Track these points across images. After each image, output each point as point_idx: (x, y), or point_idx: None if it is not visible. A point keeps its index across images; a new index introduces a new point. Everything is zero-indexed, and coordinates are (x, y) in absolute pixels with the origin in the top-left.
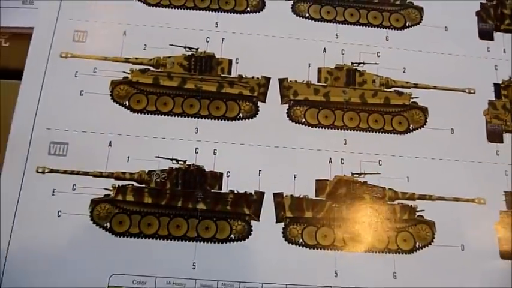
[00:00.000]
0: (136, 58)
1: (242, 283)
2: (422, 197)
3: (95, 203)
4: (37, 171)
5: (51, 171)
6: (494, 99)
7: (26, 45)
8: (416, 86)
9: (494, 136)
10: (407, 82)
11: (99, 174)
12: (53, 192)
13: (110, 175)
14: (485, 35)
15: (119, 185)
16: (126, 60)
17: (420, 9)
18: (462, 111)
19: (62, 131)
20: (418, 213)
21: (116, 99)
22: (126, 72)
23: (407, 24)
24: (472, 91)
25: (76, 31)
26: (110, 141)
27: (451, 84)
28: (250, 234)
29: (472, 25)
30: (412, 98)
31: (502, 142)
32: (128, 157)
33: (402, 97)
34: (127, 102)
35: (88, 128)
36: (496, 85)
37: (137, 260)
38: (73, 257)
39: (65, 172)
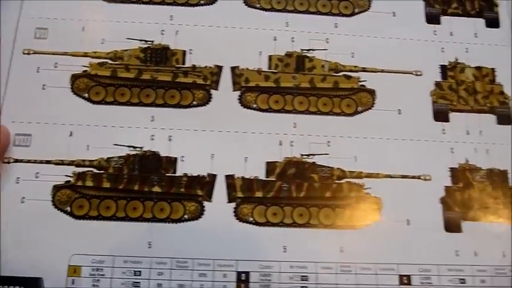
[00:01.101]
0: (95, 52)
1: (195, 260)
2: (369, 175)
3: (56, 189)
4: (3, 162)
5: (16, 161)
6: (440, 80)
7: None
8: (364, 70)
9: (441, 115)
10: (355, 66)
11: (61, 163)
12: (17, 180)
13: (71, 163)
14: (432, 19)
15: (79, 172)
16: (85, 55)
17: None
18: (409, 92)
19: (26, 123)
20: (365, 191)
21: (76, 91)
22: (86, 66)
23: (355, 11)
24: (419, 73)
25: (38, 28)
26: (71, 132)
27: (398, 67)
28: (203, 214)
29: (419, 10)
30: (361, 81)
31: (448, 121)
32: (88, 146)
33: (350, 81)
34: (86, 94)
35: (50, 120)
36: (442, 66)
37: (96, 241)
38: (36, 239)
39: (28, 161)
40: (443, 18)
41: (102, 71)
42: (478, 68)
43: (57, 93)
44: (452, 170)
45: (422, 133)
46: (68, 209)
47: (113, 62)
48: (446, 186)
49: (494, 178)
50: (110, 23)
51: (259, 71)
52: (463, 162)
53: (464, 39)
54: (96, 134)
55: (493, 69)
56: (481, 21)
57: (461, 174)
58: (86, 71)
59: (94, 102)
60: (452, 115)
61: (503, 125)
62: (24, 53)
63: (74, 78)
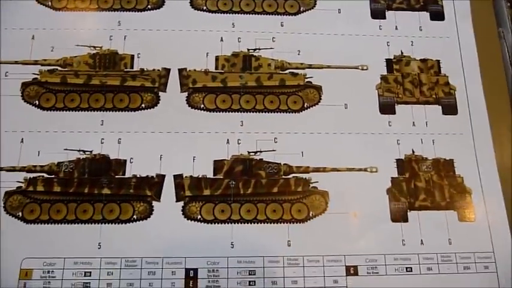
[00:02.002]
0: (45, 60)
1: (144, 258)
2: (316, 170)
3: (8, 194)
4: None
5: None
6: (386, 73)
7: None
8: (310, 67)
9: (387, 108)
10: (301, 64)
11: (12, 169)
12: None
13: (22, 169)
14: (378, 14)
15: (30, 177)
16: (35, 63)
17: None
18: (355, 87)
19: None
20: (311, 185)
21: (27, 99)
22: (36, 74)
23: (301, 10)
24: (365, 67)
25: None
26: (22, 138)
27: (344, 62)
28: (152, 214)
29: (365, 6)
30: (307, 78)
31: (394, 113)
32: (39, 151)
33: (297, 78)
34: (37, 102)
35: (2, 127)
36: (387, 60)
37: (47, 244)
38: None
39: None
40: (389, 13)
41: (52, 78)
42: (423, 61)
43: (9, 101)
44: (398, 161)
45: (369, 126)
46: (20, 214)
47: (62, 69)
48: (392, 178)
49: (439, 167)
50: (59, 31)
51: (206, 72)
52: (409, 153)
53: (410, 33)
54: (46, 140)
55: (438, 61)
56: (425, 15)
57: (408, 165)
58: (36, 78)
59: (44, 109)
60: (399, 107)
61: (448, 115)
62: None
63: (25, 86)
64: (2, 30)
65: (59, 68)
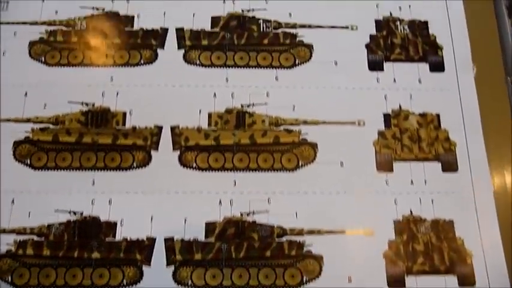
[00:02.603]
0: (37, 117)
1: None
2: (310, 232)
3: None
4: None
5: None
6: (383, 129)
7: None
8: (305, 123)
9: (384, 165)
10: (296, 120)
11: (2, 231)
12: None
13: (12, 231)
14: (375, 65)
15: (19, 240)
16: (28, 120)
17: (310, 47)
18: (352, 143)
19: None
20: (306, 249)
21: (18, 158)
22: (28, 132)
23: (296, 63)
24: (361, 123)
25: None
26: (13, 199)
27: (340, 117)
28: (142, 279)
29: (362, 57)
30: (302, 134)
31: (392, 171)
32: (29, 212)
33: (291, 135)
34: (28, 161)
35: None
36: (385, 115)
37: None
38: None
39: None
40: (387, 65)
41: (44, 136)
42: (423, 115)
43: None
44: (395, 222)
45: (366, 185)
46: (9, 278)
47: (54, 127)
48: (389, 240)
49: (439, 229)
50: (52, 87)
51: (199, 129)
52: (407, 214)
53: (408, 85)
54: (37, 201)
55: (438, 115)
56: (425, 66)
57: (405, 227)
58: (28, 137)
59: (35, 168)
60: (396, 164)
61: (448, 173)
62: None
63: (16, 144)
64: None
65: (51, 126)
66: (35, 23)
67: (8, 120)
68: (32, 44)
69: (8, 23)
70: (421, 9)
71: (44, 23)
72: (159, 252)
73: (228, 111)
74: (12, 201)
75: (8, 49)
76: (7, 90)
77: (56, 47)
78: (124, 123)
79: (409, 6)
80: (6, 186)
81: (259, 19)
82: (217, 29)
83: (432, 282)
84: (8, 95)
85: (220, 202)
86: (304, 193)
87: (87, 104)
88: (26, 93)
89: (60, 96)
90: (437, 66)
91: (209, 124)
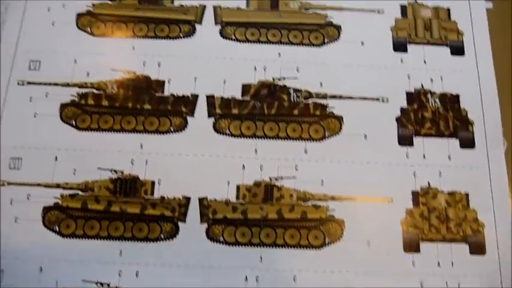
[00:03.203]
0: (67, 183)
1: None
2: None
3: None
4: None
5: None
6: (411, 207)
7: None
8: (333, 199)
9: (411, 246)
10: (324, 195)
11: None
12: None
13: None
14: (405, 141)
15: None
16: (57, 186)
17: (340, 119)
18: (379, 220)
19: None
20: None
21: (47, 224)
22: (57, 198)
23: (326, 135)
24: (390, 200)
25: (12, 158)
26: (41, 267)
27: (369, 194)
28: None
29: (392, 131)
30: (330, 210)
31: (418, 251)
32: (57, 281)
33: (319, 210)
34: (57, 228)
35: (21, 254)
36: (413, 193)
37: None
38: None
39: None
40: (417, 140)
41: (73, 203)
42: (451, 194)
43: (29, 227)
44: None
45: (393, 267)
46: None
47: (83, 194)
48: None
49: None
50: (82, 152)
51: (227, 202)
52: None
53: (438, 162)
54: (65, 270)
55: (467, 194)
56: (455, 142)
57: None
58: (57, 203)
59: (64, 236)
60: (423, 245)
61: (476, 255)
62: None
63: (46, 210)
64: (25, 150)
65: (80, 193)
66: (67, 85)
67: (38, 184)
68: (63, 107)
69: (39, 84)
70: (452, 81)
71: (75, 85)
72: None
73: (257, 184)
74: (40, 269)
75: (39, 111)
76: (38, 154)
77: (87, 110)
78: (152, 193)
79: (441, 77)
80: (34, 253)
81: (289, 88)
82: (247, 98)
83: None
84: (38, 159)
85: (246, 278)
86: (330, 272)
87: (116, 171)
88: (56, 158)
89: (90, 162)
90: (468, 143)
91: (237, 197)
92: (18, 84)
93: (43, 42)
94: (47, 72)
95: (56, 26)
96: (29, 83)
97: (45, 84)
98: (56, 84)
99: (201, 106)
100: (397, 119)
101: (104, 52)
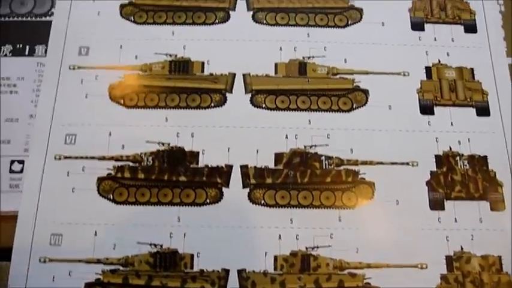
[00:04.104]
0: (107, 259)
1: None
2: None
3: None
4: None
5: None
6: (446, 272)
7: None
8: (369, 266)
9: None
10: (360, 263)
11: None
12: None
13: None
14: (436, 205)
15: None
16: (98, 261)
17: (372, 185)
18: (415, 285)
19: None
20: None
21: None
22: (99, 274)
23: (358, 202)
24: (423, 266)
25: (52, 234)
26: None
27: (403, 260)
28: None
29: (423, 196)
30: (366, 278)
31: None
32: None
33: (355, 279)
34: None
35: None
36: (447, 257)
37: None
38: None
39: None
40: (447, 204)
41: (114, 278)
42: (485, 257)
43: None
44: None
45: None
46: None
47: (124, 269)
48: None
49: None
50: (121, 226)
51: (265, 273)
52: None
53: (469, 226)
54: None
55: (499, 257)
56: (485, 204)
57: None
58: (99, 279)
59: None
60: None
61: None
62: (40, 262)
63: (88, 286)
64: (65, 225)
65: (121, 268)
66: (103, 158)
67: (79, 261)
68: (100, 180)
69: (76, 158)
70: (480, 143)
71: (111, 158)
72: None
73: (293, 254)
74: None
75: (77, 185)
76: (77, 230)
77: (124, 183)
78: (192, 266)
79: (468, 139)
80: None
81: (321, 155)
82: (280, 166)
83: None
84: (78, 235)
85: None
86: None
87: (155, 245)
88: (95, 233)
89: (129, 236)
90: (498, 205)
91: (275, 268)
92: (55, 158)
93: (77, 116)
94: (83, 145)
95: (89, 98)
96: (65, 157)
97: (82, 158)
98: (92, 158)
99: (236, 176)
100: (427, 183)
101: (138, 124)
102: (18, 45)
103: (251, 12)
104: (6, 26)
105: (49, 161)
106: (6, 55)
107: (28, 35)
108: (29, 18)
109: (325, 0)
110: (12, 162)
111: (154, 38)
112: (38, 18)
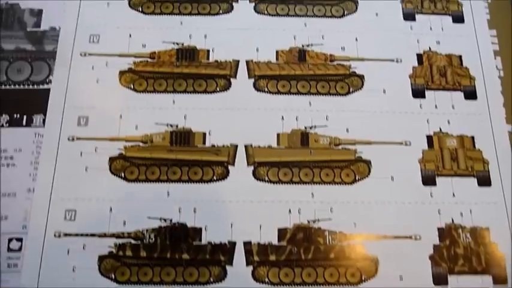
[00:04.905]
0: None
1: None
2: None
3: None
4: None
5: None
6: None
7: None
8: None
9: None
10: None
11: None
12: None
13: None
14: (440, 279)
15: None
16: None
17: (375, 261)
18: None
19: None
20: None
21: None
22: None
23: (363, 278)
24: None
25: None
26: None
27: None
28: None
29: (426, 271)
30: None
31: None
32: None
33: None
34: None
35: None
36: None
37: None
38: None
39: None
40: (451, 278)
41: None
42: None
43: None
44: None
45: None
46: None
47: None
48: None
49: None
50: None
51: None
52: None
53: None
54: None
55: None
56: (488, 279)
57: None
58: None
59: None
60: None
61: None
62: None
63: (101, 259)
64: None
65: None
66: (104, 235)
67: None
68: (101, 259)
69: (76, 235)
70: (481, 214)
71: (112, 236)
72: None
73: None
74: None
75: (77, 263)
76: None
77: (125, 262)
78: None
79: (470, 211)
80: None
81: (325, 230)
82: (284, 243)
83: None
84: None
85: None
86: None
87: None
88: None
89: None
90: (502, 279)
91: None
92: (55, 236)
93: (77, 190)
94: (83, 222)
95: (89, 172)
96: (65, 234)
97: (82, 235)
98: (92, 235)
99: (239, 253)
100: (431, 257)
101: (140, 199)
102: (15, 115)
103: (252, 80)
104: (3, 94)
105: (49, 238)
106: (3, 125)
107: (25, 104)
108: (26, 86)
109: (327, 67)
110: (10, 240)
111: (154, 107)
112: (35, 86)
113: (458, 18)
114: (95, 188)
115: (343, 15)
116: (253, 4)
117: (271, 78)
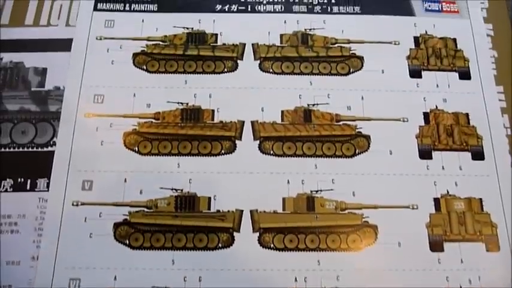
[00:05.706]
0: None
1: None
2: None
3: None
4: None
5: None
6: None
7: None
8: None
9: None
10: None
11: None
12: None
13: None
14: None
15: None
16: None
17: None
18: None
19: None
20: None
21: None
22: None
23: None
24: None
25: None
26: None
27: None
28: None
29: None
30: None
31: None
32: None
33: None
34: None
35: None
36: None
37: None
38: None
39: None
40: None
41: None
42: None
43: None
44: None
45: None
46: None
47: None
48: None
49: None
50: None
51: None
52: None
53: None
54: None
55: None
56: None
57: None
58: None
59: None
60: None
61: None
62: None
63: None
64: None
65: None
66: None
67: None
68: None
69: None
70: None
71: None
72: None
73: None
74: None
75: None
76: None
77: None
78: None
79: (479, 277)
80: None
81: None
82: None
83: None
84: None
85: None
86: None
87: None
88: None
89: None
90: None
91: None
92: None
93: (81, 259)
94: None
95: (93, 238)
96: None
97: None
98: None
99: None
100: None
101: (145, 267)
102: (19, 180)
103: (257, 142)
104: (7, 157)
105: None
106: (6, 190)
107: (29, 168)
108: (30, 149)
109: (332, 127)
110: None
111: (160, 171)
112: (39, 149)
113: (465, 75)
114: (100, 256)
115: (348, 73)
116: (258, 62)
117: (277, 140)
